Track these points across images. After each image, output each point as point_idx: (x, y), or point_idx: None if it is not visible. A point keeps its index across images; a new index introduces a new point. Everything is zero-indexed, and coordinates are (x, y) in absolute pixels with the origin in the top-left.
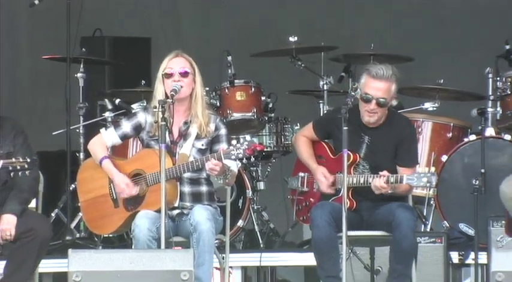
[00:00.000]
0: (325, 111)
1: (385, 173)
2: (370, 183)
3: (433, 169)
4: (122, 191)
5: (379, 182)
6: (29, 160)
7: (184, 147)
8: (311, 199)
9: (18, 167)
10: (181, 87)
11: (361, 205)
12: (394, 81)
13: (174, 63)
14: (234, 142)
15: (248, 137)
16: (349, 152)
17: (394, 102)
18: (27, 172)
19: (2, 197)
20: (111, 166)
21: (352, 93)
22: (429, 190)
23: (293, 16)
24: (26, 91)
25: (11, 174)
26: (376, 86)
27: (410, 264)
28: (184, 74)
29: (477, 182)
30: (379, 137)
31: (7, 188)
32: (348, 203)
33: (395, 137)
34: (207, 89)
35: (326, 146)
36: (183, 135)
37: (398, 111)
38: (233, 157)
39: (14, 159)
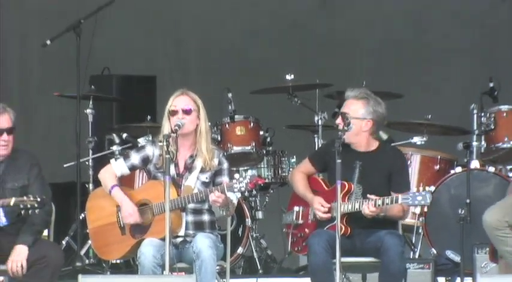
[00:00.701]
0: (319, 145)
1: (372, 196)
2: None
3: (427, 188)
4: (129, 215)
5: (369, 208)
6: (39, 199)
7: (189, 179)
8: (306, 230)
9: (29, 206)
10: (184, 123)
11: (354, 232)
12: (363, 100)
13: (179, 101)
14: (237, 176)
15: (250, 172)
16: (344, 182)
17: (384, 136)
18: (36, 211)
19: (16, 228)
20: (120, 193)
21: (345, 128)
22: (423, 209)
23: (290, 55)
24: (39, 125)
25: (22, 212)
26: (344, 105)
27: None
28: (188, 112)
29: (463, 212)
30: (370, 162)
31: (21, 220)
32: (343, 228)
33: (388, 165)
34: (209, 124)
35: (320, 181)
36: (189, 168)
37: (391, 143)
38: (236, 190)
39: (25, 198)
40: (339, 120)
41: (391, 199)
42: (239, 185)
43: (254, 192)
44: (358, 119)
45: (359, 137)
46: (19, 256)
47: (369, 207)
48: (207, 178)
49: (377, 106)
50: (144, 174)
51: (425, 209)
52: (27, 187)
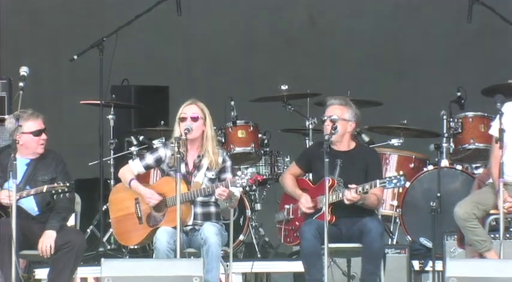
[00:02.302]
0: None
1: (353, 185)
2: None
3: (401, 172)
4: (151, 198)
5: (351, 194)
6: (67, 184)
7: (197, 176)
8: (296, 223)
9: (60, 190)
10: (192, 128)
11: (340, 221)
12: (345, 106)
13: (188, 110)
14: (239, 173)
15: (250, 169)
16: (329, 178)
17: (366, 139)
18: (67, 194)
19: (46, 216)
20: (138, 184)
21: (333, 131)
22: (399, 189)
23: (284, 69)
24: (67, 129)
25: (54, 196)
26: (328, 110)
27: (379, 264)
28: (195, 119)
29: (434, 204)
30: (349, 159)
31: (49, 209)
32: (329, 217)
33: (364, 161)
34: (214, 128)
35: (307, 180)
36: (197, 167)
37: (370, 146)
38: (238, 185)
39: (55, 184)
40: (327, 123)
41: (370, 184)
42: (241, 181)
43: (254, 187)
44: (344, 121)
45: (343, 138)
46: (48, 239)
47: (351, 193)
48: (213, 175)
49: (357, 111)
50: (158, 172)
51: (400, 203)
52: (54, 180)
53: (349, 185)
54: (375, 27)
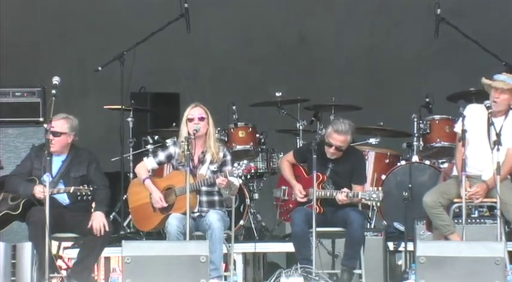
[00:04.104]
0: (301, 144)
1: (345, 189)
2: (334, 197)
3: (380, 189)
4: (156, 202)
5: (342, 197)
6: (91, 189)
7: (202, 169)
8: (290, 205)
9: (83, 193)
10: (200, 128)
11: (327, 209)
12: (350, 134)
13: (194, 111)
14: (235, 164)
15: (245, 161)
16: (319, 173)
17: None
18: (104, 190)
19: (76, 207)
20: (151, 184)
21: (319, 132)
22: (376, 204)
23: (278, 78)
24: (94, 130)
25: (78, 198)
26: (336, 138)
27: (359, 250)
28: (201, 119)
29: (406, 194)
30: (339, 164)
31: (79, 201)
32: (317, 208)
33: (351, 164)
34: (219, 128)
35: (302, 168)
36: (201, 161)
37: (352, 144)
38: (235, 175)
39: (81, 187)
40: (333, 150)
41: (353, 194)
42: (237, 171)
43: (249, 176)
44: (346, 147)
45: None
46: (101, 218)
47: (342, 196)
48: (215, 168)
49: (352, 133)
50: (171, 166)
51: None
52: (86, 176)
53: (342, 190)
54: (355, 43)
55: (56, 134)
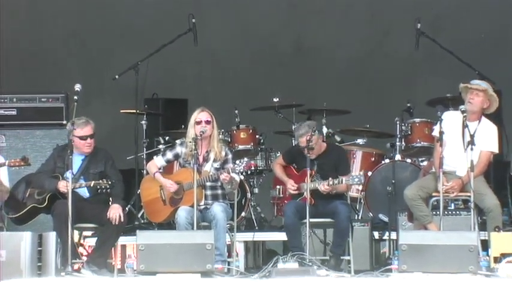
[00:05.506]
0: (291, 146)
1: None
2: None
3: (361, 172)
4: (171, 186)
5: (323, 187)
6: (110, 182)
7: (206, 166)
8: (285, 201)
9: (103, 186)
10: (206, 130)
11: (318, 202)
12: (311, 132)
13: (201, 115)
14: (237, 162)
15: (245, 159)
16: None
17: (338, 138)
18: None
19: (95, 199)
20: (160, 176)
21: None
22: (359, 186)
23: (276, 85)
24: (112, 132)
25: (98, 191)
26: (301, 140)
27: (346, 238)
28: (208, 122)
29: (390, 189)
30: (323, 160)
31: (98, 194)
32: (311, 200)
33: (335, 159)
34: (222, 130)
35: (292, 168)
36: (206, 159)
37: (341, 144)
38: (236, 171)
39: (101, 181)
40: (306, 151)
41: (338, 180)
42: (238, 168)
43: (249, 172)
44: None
45: (315, 149)
46: (117, 209)
47: (324, 186)
48: (218, 165)
49: (314, 128)
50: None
51: (364, 187)
52: (103, 172)
53: (323, 181)
54: (347, 52)
55: (92, 136)
